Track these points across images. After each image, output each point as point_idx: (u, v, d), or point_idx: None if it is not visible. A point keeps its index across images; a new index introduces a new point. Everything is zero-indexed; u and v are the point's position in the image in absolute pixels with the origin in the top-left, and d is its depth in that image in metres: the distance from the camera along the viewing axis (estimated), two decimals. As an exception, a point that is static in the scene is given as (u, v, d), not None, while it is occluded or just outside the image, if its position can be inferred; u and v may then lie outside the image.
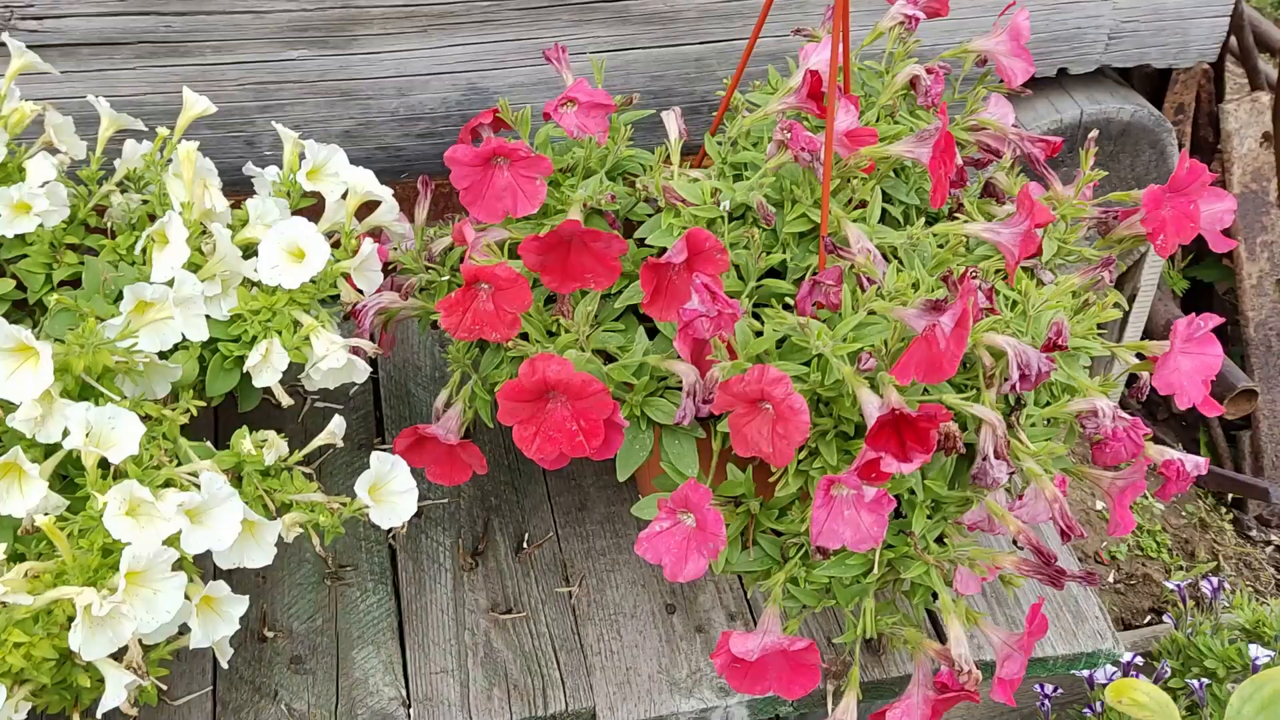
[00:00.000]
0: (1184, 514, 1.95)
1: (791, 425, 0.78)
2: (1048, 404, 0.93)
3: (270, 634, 1.05)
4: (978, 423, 0.85)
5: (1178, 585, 1.44)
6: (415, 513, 1.16)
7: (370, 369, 0.97)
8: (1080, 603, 1.14)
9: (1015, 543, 0.86)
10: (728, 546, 0.92)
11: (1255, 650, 1.27)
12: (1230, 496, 2.05)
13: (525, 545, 1.16)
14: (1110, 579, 1.78)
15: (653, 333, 0.95)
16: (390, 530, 1.14)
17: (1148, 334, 1.96)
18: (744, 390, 0.80)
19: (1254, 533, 1.99)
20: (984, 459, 0.84)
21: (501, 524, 1.18)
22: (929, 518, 0.88)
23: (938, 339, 0.79)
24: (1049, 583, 0.82)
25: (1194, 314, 0.90)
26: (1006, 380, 0.85)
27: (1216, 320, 0.91)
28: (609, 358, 0.93)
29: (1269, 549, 2.01)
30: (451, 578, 1.12)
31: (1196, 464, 0.88)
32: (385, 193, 1.02)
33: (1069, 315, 0.93)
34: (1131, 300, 1.88)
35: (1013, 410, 0.90)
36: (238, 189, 1.14)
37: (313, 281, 0.93)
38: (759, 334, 0.87)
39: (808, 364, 0.85)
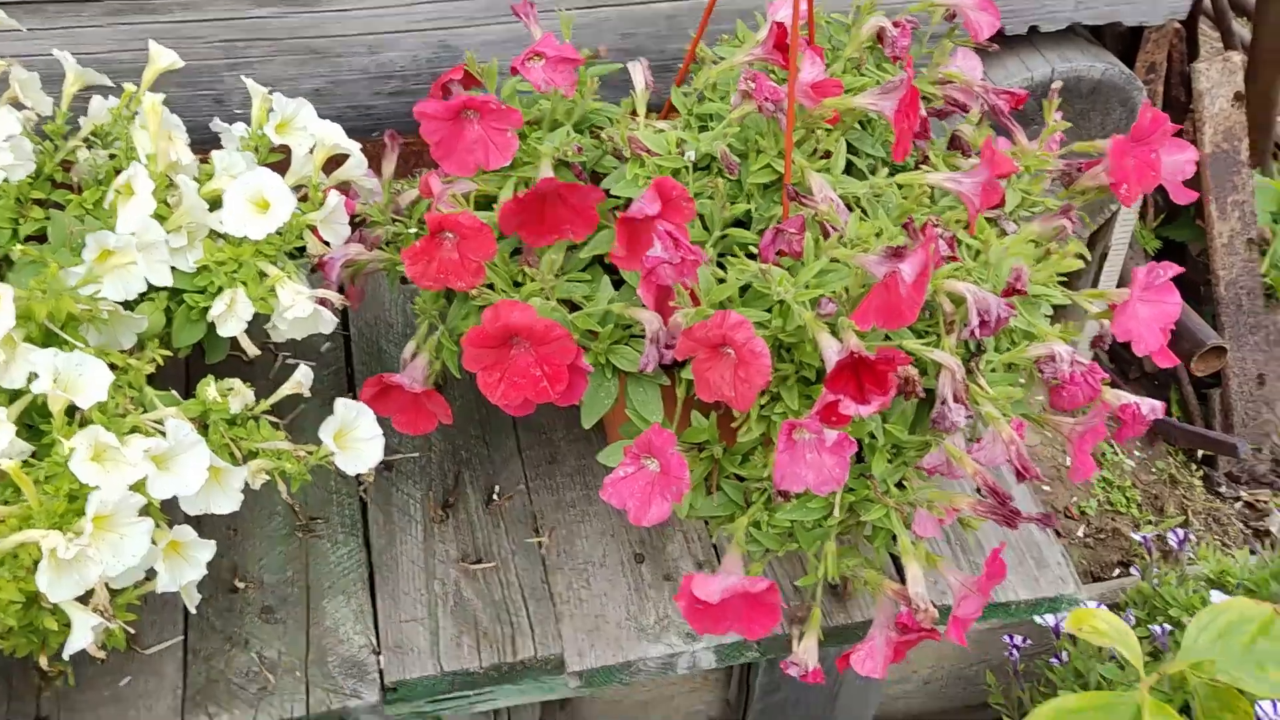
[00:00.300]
0: (1154, 471, 1.98)
1: (753, 369, 0.79)
2: (1008, 351, 0.94)
3: (241, 585, 1.06)
4: (938, 368, 0.86)
5: (1144, 537, 1.46)
6: (386, 466, 1.19)
7: (337, 320, 0.97)
8: (1043, 550, 1.16)
9: (980, 492, 0.88)
10: (692, 492, 0.94)
11: (1217, 596, 1.29)
12: (1200, 454, 2.08)
13: (496, 497, 1.17)
14: (1080, 534, 1.81)
15: (619, 284, 0.96)
16: (360, 484, 1.15)
17: (1119, 293, 1.98)
18: (706, 335, 0.81)
19: (1223, 489, 2.02)
20: (943, 403, 0.85)
21: (472, 477, 1.19)
22: (889, 462, 0.89)
23: (898, 285, 0.80)
24: (1004, 522, 0.83)
25: (1154, 262, 0.91)
26: (966, 326, 0.86)
27: (1175, 269, 0.92)
28: (574, 307, 0.94)
29: (1238, 505, 2.04)
30: (422, 529, 1.13)
31: (1152, 407, 0.90)
32: (353, 146, 1.03)
33: (1030, 263, 0.94)
34: (1103, 259, 1.90)
35: (973, 356, 0.91)
36: (206, 147, 1.13)
37: (279, 233, 0.94)
38: (722, 282, 0.88)
39: (770, 311, 0.86)
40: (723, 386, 0.81)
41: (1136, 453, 2.01)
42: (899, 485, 0.91)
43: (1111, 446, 1.98)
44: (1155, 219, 2.08)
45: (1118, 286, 1.95)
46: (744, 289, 0.89)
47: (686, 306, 0.85)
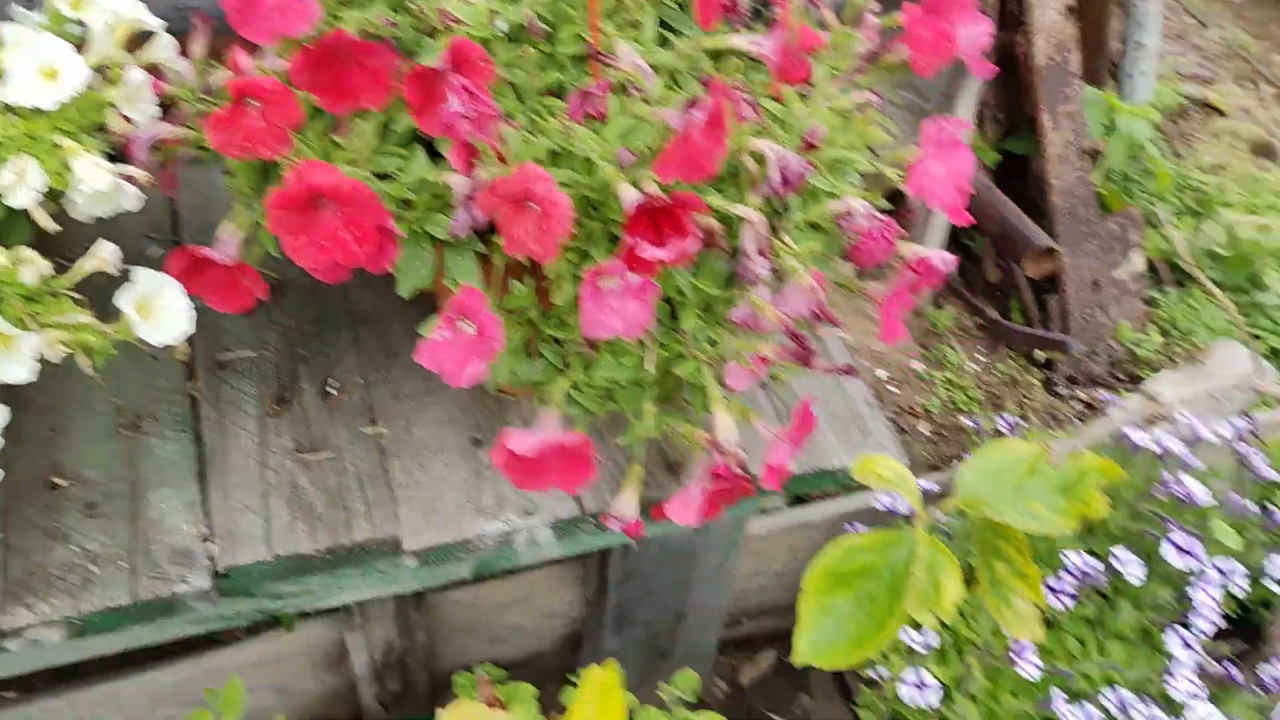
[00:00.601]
0: (996, 373, 2.07)
1: (554, 220, 0.81)
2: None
3: (62, 483, 1.04)
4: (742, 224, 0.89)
5: (975, 422, 1.53)
6: (219, 366, 1.17)
7: (143, 197, 0.95)
8: (867, 421, 1.22)
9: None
10: (513, 358, 0.95)
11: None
12: (1044, 358, 2.18)
13: (332, 391, 1.17)
14: (925, 431, 1.89)
15: (438, 159, 0.96)
16: (191, 382, 1.14)
17: (960, 202, 2.05)
18: (509, 190, 0.82)
19: (1061, 389, 2.13)
20: (746, 256, 0.88)
21: (308, 373, 1.18)
22: (701, 319, 0.92)
23: (694, 134, 0.82)
24: (801, 362, 0.87)
25: (941, 117, 0.95)
26: (768, 183, 0.89)
27: (964, 124, 0.97)
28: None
29: (1077, 405, 2.15)
30: (256, 424, 1.12)
31: (944, 259, 0.95)
32: (157, 24, 1.00)
33: (832, 128, 0.97)
34: (943, 169, 1.96)
35: (778, 217, 0.94)
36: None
37: (77, 110, 0.91)
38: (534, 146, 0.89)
39: (577, 170, 0.87)
40: (528, 240, 0.82)
41: (980, 357, 2.10)
42: (712, 343, 0.94)
43: (954, 349, 2.06)
44: (994, 133, 2.17)
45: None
46: (555, 155, 0.90)
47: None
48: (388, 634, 1.39)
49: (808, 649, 0.88)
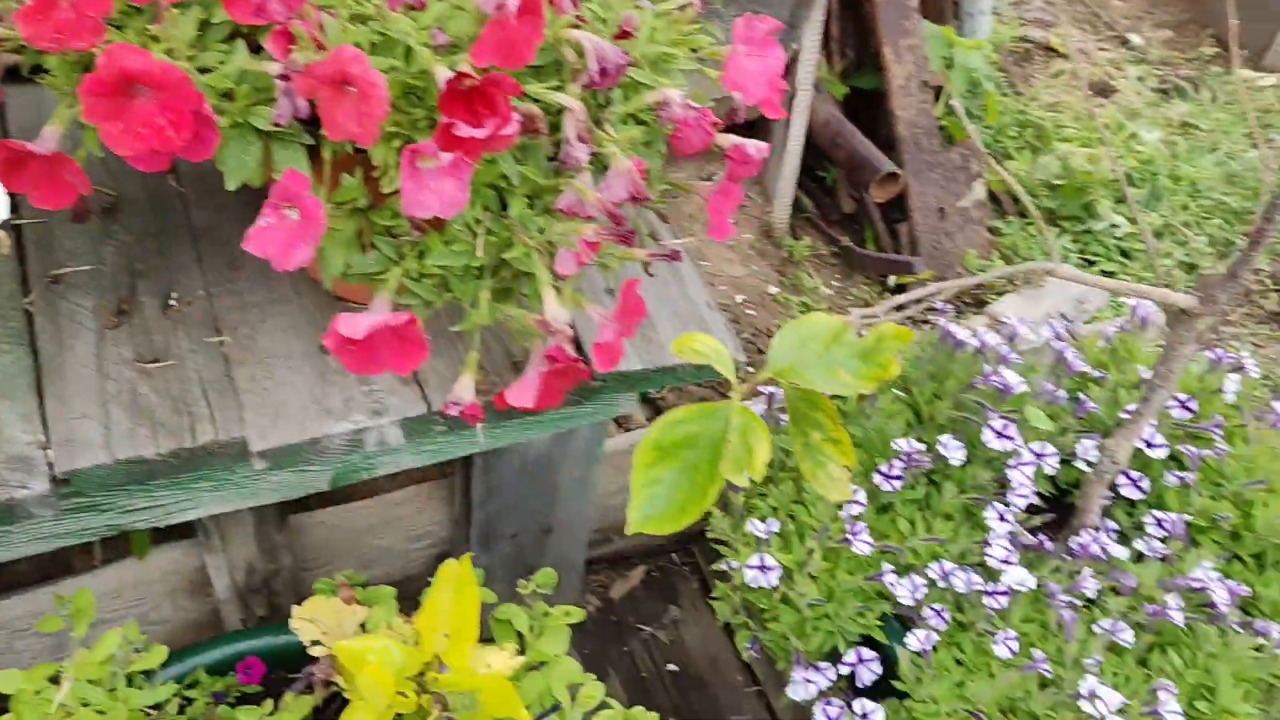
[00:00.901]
0: (850, 296, 2.16)
1: (372, 101, 0.83)
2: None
3: (-111, 396, 1.02)
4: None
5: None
6: (54, 280, 1.16)
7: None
8: (708, 322, 1.27)
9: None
10: (346, 250, 0.97)
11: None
12: (896, 283, 2.29)
13: (174, 303, 1.17)
14: (780, 350, 1.97)
15: (261, 53, 0.96)
16: (26, 297, 1.12)
17: (811, 133, 2.13)
18: (325, 72, 0.83)
19: (913, 313, 2.24)
20: (568, 143, 0.92)
21: (148, 286, 1.17)
22: (530, 207, 0.96)
23: (509, 20, 0.85)
24: (622, 241, 0.91)
25: (751, 15, 1.00)
26: (588, 74, 0.93)
27: (773, 22, 1.02)
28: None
29: (926, 327, 2.26)
30: (95, 336, 1.12)
31: (759, 148, 1.00)
32: (-35, -77, 0.98)
33: (654, 28, 1.02)
34: (791, 101, 2.04)
35: (601, 109, 0.98)
36: None
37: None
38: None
39: (396, 57, 0.89)
40: (348, 124, 0.84)
41: (835, 282, 2.19)
42: (541, 230, 0.97)
43: (811, 276, 2.15)
44: (841, 67, 2.24)
45: (807, 125, 2.11)
46: (376, 45, 0.92)
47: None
48: (249, 555, 1.40)
49: (638, 518, 0.93)
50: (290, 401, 1.11)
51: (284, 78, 0.85)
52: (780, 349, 0.94)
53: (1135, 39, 3.17)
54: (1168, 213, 2.61)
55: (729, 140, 0.99)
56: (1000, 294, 2.35)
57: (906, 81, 2.16)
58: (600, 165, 0.97)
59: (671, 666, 1.72)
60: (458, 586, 1.09)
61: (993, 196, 2.60)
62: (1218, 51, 3.23)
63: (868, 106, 2.28)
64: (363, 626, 1.14)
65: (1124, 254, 2.52)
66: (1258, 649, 1.20)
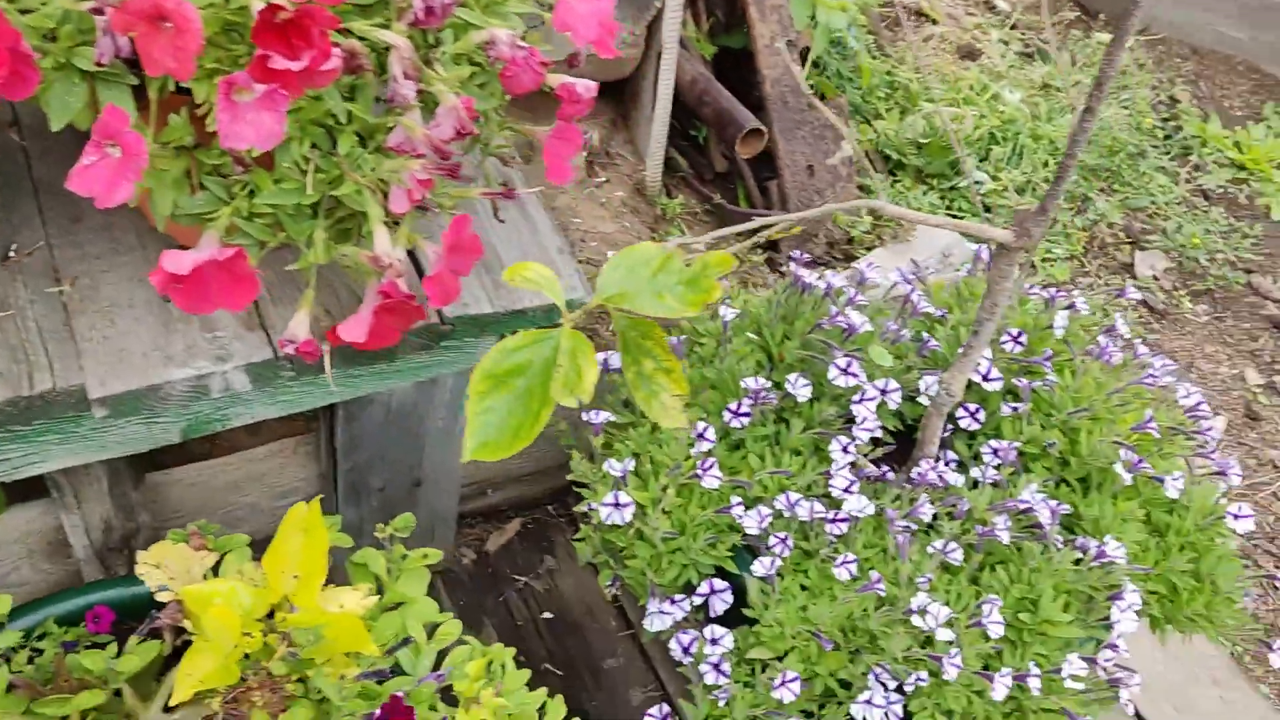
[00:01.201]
0: (721, 249, 2.21)
1: (188, 36, 0.83)
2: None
3: None
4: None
5: (681, 281, 1.64)
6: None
7: None
8: (559, 265, 1.30)
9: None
10: (175, 190, 0.97)
11: (726, 311, 1.50)
12: (767, 239, 2.34)
13: (12, 254, 1.15)
14: (651, 304, 2.01)
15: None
16: None
17: (679, 91, 2.17)
18: (140, 7, 0.83)
19: (782, 267, 2.30)
20: (395, 80, 0.93)
21: (-17, 238, 1.16)
22: (364, 146, 0.97)
23: (326, -43, 0.86)
24: (449, 175, 0.94)
25: (579, -45, 1.03)
26: (413, 11, 0.94)
27: (603, -36, 1.04)
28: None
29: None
30: (-76, 287, 1.10)
31: (587, 87, 1.03)
32: None
33: (485, -30, 1.03)
34: (659, 58, 2.07)
35: (430, 49, 1.00)
36: None
37: None
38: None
39: None
40: (165, 59, 0.85)
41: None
42: (373, 169, 0.99)
43: (682, 232, 2.19)
44: (709, 25, 2.28)
45: (675, 82, 2.14)
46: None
47: (133, -6, 0.88)
48: (105, 513, 1.38)
49: (473, 445, 0.96)
50: (132, 349, 1.10)
51: (98, 11, 0.85)
52: (609, 277, 0.98)
53: (1001, 4, 3.29)
54: (1029, 169, 2.72)
55: (558, 79, 1.02)
56: (869, 249, 2.43)
57: (772, 40, 2.22)
58: (433, 105, 0.98)
59: (546, 615, 1.76)
60: (307, 529, 1.10)
61: (864, 157, 2.68)
62: (1078, 15, 3.37)
63: (736, 66, 2.33)
64: (215, 572, 1.15)
65: (987, 209, 2.62)
66: (1076, 562, 1.28)
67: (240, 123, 0.84)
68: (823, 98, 2.44)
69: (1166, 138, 3.03)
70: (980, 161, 2.70)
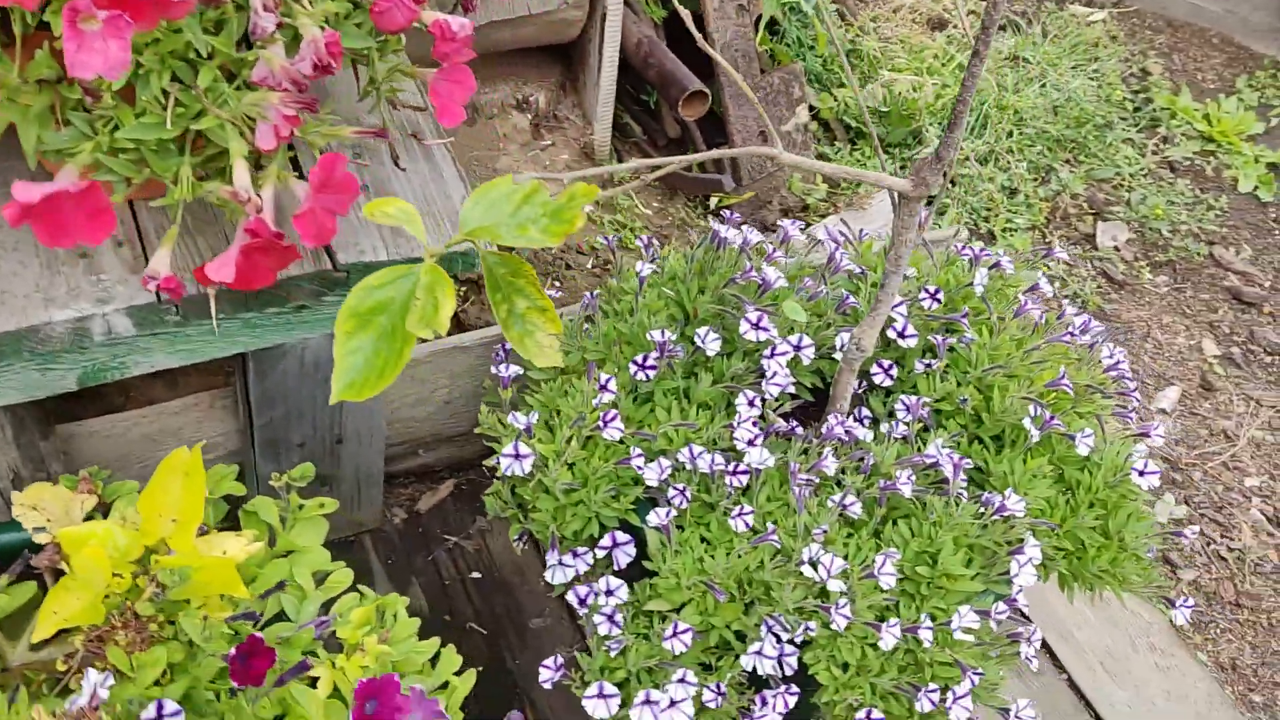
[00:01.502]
0: (669, 216, 2.20)
1: (28, -38, 0.82)
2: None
3: None
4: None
5: (607, 239, 1.64)
6: None
7: None
8: (448, 225, 1.29)
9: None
10: (39, 125, 0.97)
11: (643, 266, 1.49)
12: (717, 205, 2.33)
13: (-104, 196, 1.14)
14: (589, 265, 2.00)
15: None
16: None
17: (624, 53, 2.15)
18: (-20, -68, 0.83)
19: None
20: (255, 12, 0.92)
21: None
22: (230, 82, 0.96)
23: (175, -117, 0.85)
24: (306, 108, 0.93)
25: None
26: (276, -55, 0.93)
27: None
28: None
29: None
30: None
31: (462, 24, 1.02)
32: None
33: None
34: (604, 21, 2.05)
35: (300, -15, 0.99)
36: None
37: None
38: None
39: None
40: (11, -13, 0.84)
41: (655, 204, 2.22)
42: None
43: (630, 196, 2.18)
44: (659, -11, 2.27)
45: (620, 45, 2.12)
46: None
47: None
48: (11, 462, 1.38)
49: (340, 387, 0.95)
50: (14, 290, 1.10)
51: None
52: (471, 212, 0.97)
53: (974, -25, 3.25)
54: (992, 140, 2.70)
55: (431, 17, 1.00)
56: (823, 216, 2.41)
57: (722, 4, 2.19)
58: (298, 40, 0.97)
59: (475, 574, 1.76)
60: (187, 473, 1.09)
61: (825, 126, 2.66)
62: (1053, -11, 3.33)
63: (688, 31, 2.30)
64: (106, 518, 1.15)
65: (952, 182, 2.60)
66: (978, 516, 1.27)
67: (87, 51, 0.83)
68: (778, 63, 2.42)
69: (1136, 110, 3.00)
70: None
